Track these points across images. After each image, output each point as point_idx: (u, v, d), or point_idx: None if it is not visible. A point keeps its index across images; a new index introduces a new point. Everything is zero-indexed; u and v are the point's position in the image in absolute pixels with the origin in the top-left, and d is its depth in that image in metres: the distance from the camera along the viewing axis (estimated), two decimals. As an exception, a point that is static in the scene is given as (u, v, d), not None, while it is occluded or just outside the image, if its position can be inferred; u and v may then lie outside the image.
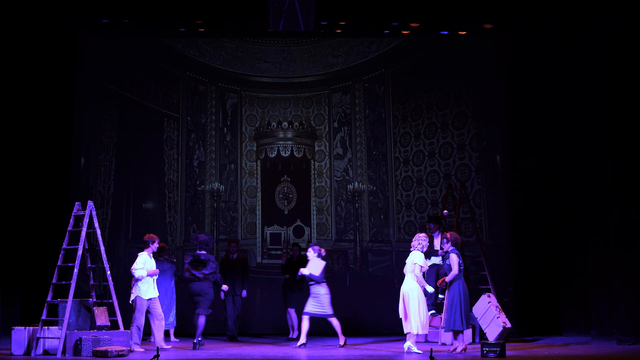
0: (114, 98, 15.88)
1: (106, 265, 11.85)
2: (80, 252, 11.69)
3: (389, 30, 15.10)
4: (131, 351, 11.41)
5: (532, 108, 14.74)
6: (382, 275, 15.74)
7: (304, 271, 12.58)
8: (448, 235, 11.74)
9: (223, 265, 13.64)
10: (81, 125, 15.38)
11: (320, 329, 14.96)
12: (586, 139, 13.36)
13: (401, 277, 11.75)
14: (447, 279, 11.54)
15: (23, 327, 11.48)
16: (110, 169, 15.78)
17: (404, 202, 16.02)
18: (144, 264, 11.94)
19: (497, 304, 12.87)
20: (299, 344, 12.44)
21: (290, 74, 16.41)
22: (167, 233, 15.80)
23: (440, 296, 12.72)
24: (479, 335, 12.93)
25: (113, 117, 15.89)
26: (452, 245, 11.65)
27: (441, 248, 12.02)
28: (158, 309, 12.03)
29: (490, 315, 12.70)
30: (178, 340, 13.52)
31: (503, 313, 12.75)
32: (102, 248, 11.92)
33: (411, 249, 11.71)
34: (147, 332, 13.55)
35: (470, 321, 11.73)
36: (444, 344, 12.70)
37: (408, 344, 11.51)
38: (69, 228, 11.94)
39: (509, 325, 12.65)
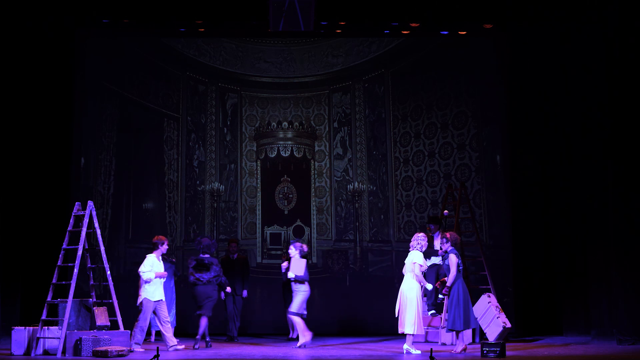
0: (114, 98, 15.88)
1: (106, 265, 11.85)
2: (80, 252, 11.69)
3: (389, 30, 15.10)
4: (131, 351, 11.41)
5: (532, 108, 14.74)
6: (382, 275, 15.74)
7: (290, 275, 12.57)
8: (448, 235, 11.74)
9: (223, 265, 13.62)
10: (81, 125, 15.39)
11: (320, 329, 14.98)
12: (586, 139, 13.36)
13: (401, 277, 11.74)
14: (448, 283, 11.52)
15: (23, 327, 11.48)
16: (110, 169, 15.79)
17: (404, 202, 16.02)
18: (152, 266, 11.93)
19: (497, 304, 12.87)
20: (298, 344, 12.43)
21: (290, 74, 16.41)
22: (167, 233, 15.79)
23: (440, 296, 12.71)
24: (479, 335, 12.92)
25: (113, 117, 15.90)
26: (451, 245, 11.65)
27: (440, 248, 12.02)
28: (164, 311, 12.03)
29: (490, 315, 12.70)
30: (178, 340, 13.49)
31: (503, 313, 12.75)
32: (102, 248, 11.92)
33: (410, 249, 11.71)
34: (147, 332, 13.57)
35: (472, 321, 11.69)
36: (444, 344, 12.70)
37: (406, 346, 11.51)
38: (69, 228, 11.94)
39: (509, 325, 12.65)
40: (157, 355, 10.00)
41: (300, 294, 12.53)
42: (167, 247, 12.20)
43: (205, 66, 16.31)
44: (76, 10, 13.64)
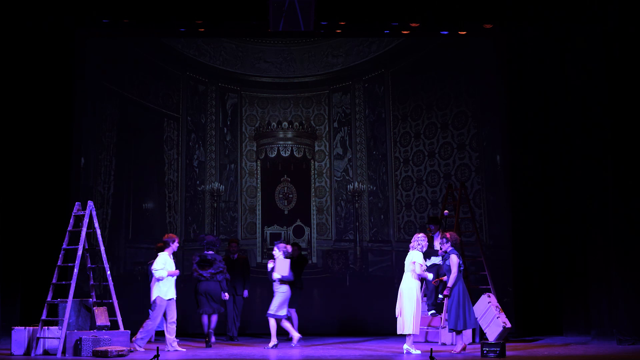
0: (114, 98, 15.88)
1: (106, 265, 11.85)
2: (80, 252, 11.68)
3: (389, 30, 15.10)
4: (131, 351, 11.41)
5: (532, 108, 14.75)
6: (382, 275, 15.74)
7: (276, 275, 12.55)
8: (448, 235, 11.74)
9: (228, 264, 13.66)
10: (81, 125, 15.40)
11: (320, 329, 14.99)
12: (586, 139, 13.36)
13: (401, 277, 11.74)
14: (449, 283, 11.52)
15: (23, 327, 11.47)
16: (110, 169, 15.79)
17: (404, 202, 16.02)
18: (164, 264, 11.93)
19: (497, 304, 12.87)
20: (270, 345, 12.40)
21: (290, 74, 16.41)
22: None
23: (440, 296, 12.71)
24: (479, 335, 12.92)
25: (113, 117, 15.90)
26: (451, 245, 11.64)
27: (440, 248, 12.01)
28: (173, 311, 12.03)
29: (490, 315, 12.70)
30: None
31: (503, 313, 12.75)
32: (102, 248, 11.92)
33: (410, 250, 11.70)
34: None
35: (471, 321, 11.68)
36: (444, 344, 12.70)
37: (406, 346, 11.51)
38: (69, 228, 11.94)
39: (509, 325, 12.65)
40: (157, 355, 10.00)
41: (280, 294, 12.52)
42: (177, 244, 12.20)
43: (205, 66, 16.31)
44: (76, 10, 13.63)
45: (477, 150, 15.73)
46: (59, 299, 11.59)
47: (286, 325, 12.60)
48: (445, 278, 11.69)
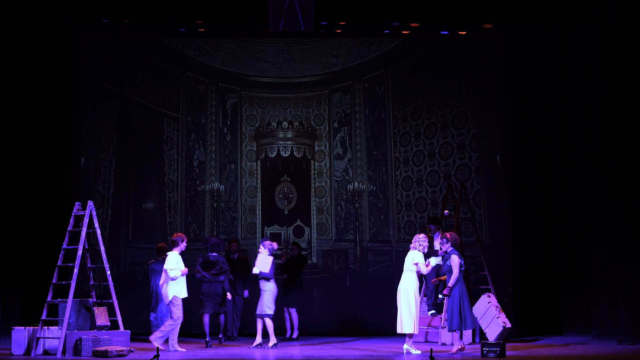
0: (114, 98, 15.88)
1: (106, 265, 11.85)
2: (80, 252, 11.69)
3: (389, 30, 15.10)
4: (131, 351, 11.40)
5: (532, 108, 14.75)
6: (382, 275, 15.74)
7: (255, 270, 12.54)
8: (448, 235, 11.73)
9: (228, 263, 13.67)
10: (81, 125, 15.40)
11: (320, 329, 14.99)
12: (586, 139, 13.36)
13: (401, 277, 11.74)
14: (450, 283, 11.52)
15: (23, 327, 11.48)
16: (110, 169, 15.79)
17: (404, 202, 16.02)
18: (177, 263, 11.94)
19: (497, 304, 12.86)
20: (254, 344, 12.38)
21: (290, 74, 16.41)
22: (167, 233, 15.78)
23: (440, 296, 12.71)
24: (479, 335, 12.92)
25: (113, 117, 15.90)
26: (451, 245, 11.64)
27: (440, 248, 12.01)
28: (180, 311, 12.06)
29: (490, 315, 12.69)
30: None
31: (503, 313, 12.75)
32: (102, 248, 11.92)
33: (410, 249, 11.69)
34: (147, 332, 13.57)
35: (469, 322, 11.68)
36: (444, 344, 12.70)
37: (406, 346, 11.51)
38: (69, 228, 11.94)
39: (509, 325, 12.64)
40: (157, 355, 10.00)
41: (267, 293, 12.51)
42: (185, 244, 12.19)
43: (205, 66, 16.31)
44: (76, 10, 13.63)
45: (477, 150, 15.73)
46: (59, 299, 11.60)
47: (259, 326, 12.55)
48: (449, 283, 11.66)
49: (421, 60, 16.10)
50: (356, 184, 16.16)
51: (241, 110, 16.40)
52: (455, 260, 11.48)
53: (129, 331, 11.66)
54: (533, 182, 14.74)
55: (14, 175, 13.62)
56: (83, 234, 11.75)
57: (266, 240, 12.88)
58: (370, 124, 16.25)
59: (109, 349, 10.90)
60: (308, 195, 16.25)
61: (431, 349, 10.59)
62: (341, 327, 15.31)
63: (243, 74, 16.38)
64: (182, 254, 12.09)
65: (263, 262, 12.52)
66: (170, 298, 11.87)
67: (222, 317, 13.04)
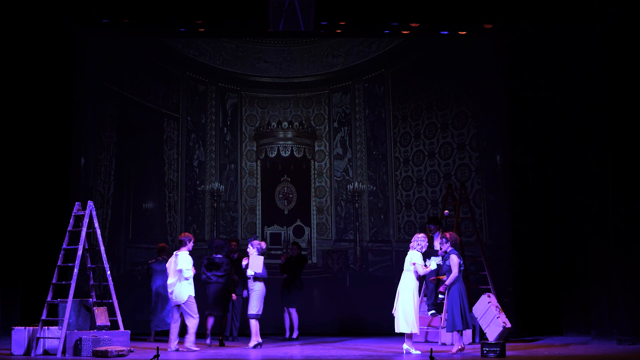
0: (114, 98, 15.88)
1: (106, 265, 11.85)
2: (80, 252, 11.68)
3: (389, 30, 15.10)
4: (131, 351, 11.40)
5: (532, 108, 14.75)
6: (382, 275, 15.74)
7: (249, 272, 12.52)
8: (447, 235, 11.74)
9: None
10: (81, 125, 15.40)
11: (320, 329, 14.98)
12: (586, 139, 13.36)
13: (401, 277, 11.74)
14: (447, 282, 11.53)
15: (23, 327, 11.47)
16: (110, 169, 15.79)
17: (404, 202, 16.02)
18: (190, 263, 11.96)
19: (497, 304, 12.87)
20: (252, 344, 12.35)
21: (290, 74, 16.41)
22: (167, 233, 15.80)
23: (440, 296, 12.70)
24: (479, 335, 12.92)
25: (113, 117, 15.90)
26: (451, 245, 11.64)
27: (440, 248, 12.01)
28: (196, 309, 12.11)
29: (490, 315, 12.70)
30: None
31: (503, 313, 12.75)
32: (102, 248, 11.92)
33: (410, 250, 11.70)
34: (146, 332, 13.58)
35: (470, 321, 11.70)
36: (444, 344, 12.70)
37: (406, 346, 11.51)
38: (69, 228, 11.94)
39: (509, 325, 12.64)
40: (157, 355, 10.00)
41: (255, 293, 12.49)
42: (192, 244, 12.20)
43: (205, 66, 16.31)
44: (76, 10, 13.63)
45: (477, 150, 15.73)
46: (59, 299, 11.59)
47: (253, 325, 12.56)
48: (444, 278, 11.67)
49: (421, 60, 16.10)
50: (356, 184, 16.16)
51: (241, 110, 16.40)
52: (454, 260, 11.49)
53: (129, 331, 11.66)
54: (533, 182, 14.74)
55: (14, 175, 13.62)
56: (83, 234, 11.75)
57: (254, 239, 12.85)
58: (370, 124, 16.25)
59: (109, 349, 10.90)
60: (308, 195, 16.25)
61: (431, 349, 10.59)
62: (341, 327, 15.30)
63: (243, 74, 16.38)
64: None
65: (255, 263, 12.48)
66: (186, 299, 11.87)
67: (211, 320, 12.92)
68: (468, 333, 12.31)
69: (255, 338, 12.38)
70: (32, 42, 14.01)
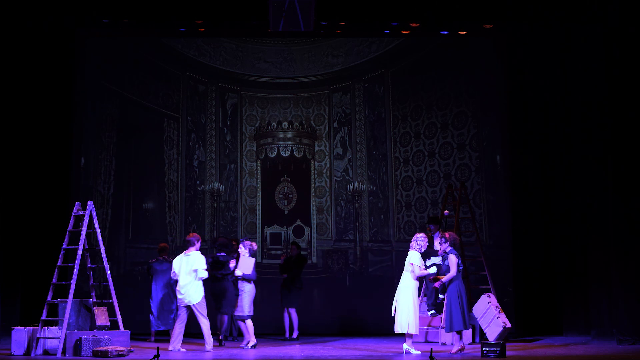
0: (114, 98, 15.88)
1: (106, 265, 11.85)
2: (80, 252, 11.68)
3: (389, 30, 15.10)
4: (131, 351, 11.40)
5: (532, 108, 14.75)
6: (382, 275, 15.74)
7: (238, 272, 12.51)
8: (447, 235, 11.74)
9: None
10: (81, 125, 15.40)
11: (320, 329, 14.98)
12: (586, 139, 13.36)
13: (401, 277, 11.74)
14: (444, 279, 11.53)
15: (23, 327, 11.47)
16: (110, 169, 15.79)
17: (404, 202, 16.02)
18: (205, 263, 11.98)
19: (497, 304, 12.87)
20: (250, 344, 12.35)
21: (290, 74, 16.41)
22: (167, 233, 15.81)
23: (440, 296, 12.71)
24: (479, 335, 12.92)
25: (113, 117, 15.90)
26: (450, 245, 11.65)
27: (440, 248, 12.01)
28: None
29: (490, 315, 12.70)
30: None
31: (503, 313, 12.75)
32: (102, 248, 11.92)
33: (410, 249, 11.71)
34: (146, 332, 13.58)
35: (470, 321, 11.70)
36: (444, 344, 12.70)
37: (406, 346, 11.51)
38: (69, 228, 11.94)
39: (509, 325, 12.65)
40: (157, 355, 10.00)
41: (245, 294, 12.48)
42: (200, 244, 12.19)
43: (205, 66, 16.31)
44: (76, 10, 13.63)
45: (477, 150, 15.73)
46: (59, 299, 11.59)
47: (242, 325, 12.54)
48: (444, 279, 11.65)
49: (421, 60, 16.10)
50: (356, 184, 16.16)
51: (241, 110, 16.40)
52: (452, 259, 11.50)
53: (129, 331, 11.65)
54: (533, 182, 14.74)
55: (14, 175, 13.62)
56: (83, 234, 11.74)
57: (246, 240, 12.85)
58: (370, 124, 16.25)
59: (109, 349, 10.90)
60: (308, 195, 16.25)
61: (431, 349, 10.59)
62: (341, 327, 15.30)
63: (243, 74, 16.38)
64: (178, 255, 12.12)
65: (245, 264, 12.47)
66: (199, 299, 11.86)
67: (225, 318, 13.00)
68: (468, 333, 12.31)
69: (252, 338, 12.37)
70: (32, 42, 14.01)
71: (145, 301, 13.73)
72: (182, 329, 11.96)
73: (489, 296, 13.06)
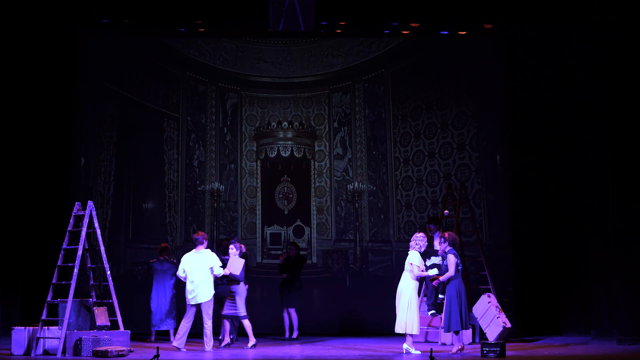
0: (114, 98, 15.88)
1: (106, 265, 11.85)
2: (80, 252, 11.69)
3: (389, 30, 15.10)
4: (131, 351, 11.40)
5: (532, 108, 14.75)
6: (382, 275, 15.74)
7: (225, 271, 12.49)
8: (446, 235, 11.74)
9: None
10: (81, 125, 15.41)
11: (320, 329, 14.99)
12: (586, 139, 13.36)
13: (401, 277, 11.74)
14: (442, 278, 11.54)
15: (23, 327, 11.48)
16: (110, 169, 15.79)
17: (404, 202, 16.02)
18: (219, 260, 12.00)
19: (497, 304, 12.87)
20: (250, 344, 12.35)
21: (290, 74, 16.41)
22: (167, 233, 15.81)
23: (440, 296, 12.71)
24: (479, 335, 12.92)
25: (113, 117, 15.90)
26: (449, 245, 11.65)
27: (439, 248, 12.02)
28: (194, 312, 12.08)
29: (490, 315, 12.70)
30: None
31: (503, 313, 12.75)
32: (102, 248, 11.92)
33: (409, 249, 11.71)
34: (146, 332, 13.58)
35: (470, 321, 11.70)
36: (444, 344, 12.70)
37: (406, 346, 11.51)
38: (69, 228, 11.94)
39: (509, 325, 12.65)
40: (157, 355, 10.00)
41: (239, 295, 12.46)
42: (207, 242, 12.17)
43: (205, 66, 16.31)
44: (76, 10, 13.62)
45: (477, 150, 15.73)
46: (59, 299, 11.59)
47: (227, 326, 12.52)
48: (441, 278, 11.66)
49: (421, 60, 16.10)
50: (356, 184, 16.16)
51: (241, 110, 16.40)
52: (451, 259, 11.50)
53: (129, 331, 11.66)
54: (533, 182, 14.74)
55: (14, 175, 13.62)
56: (83, 234, 11.75)
57: (236, 241, 12.84)
58: (370, 124, 16.25)
59: (109, 349, 10.90)
60: (308, 195, 16.25)
61: (431, 349, 10.59)
62: (341, 327, 15.31)
63: (243, 74, 16.38)
64: (181, 254, 12.09)
65: (234, 264, 12.44)
66: (210, 298, 11.85)
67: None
68: (468, 333, 12.31)
69: (252, 338, 12.38)
70: (32, 42, 14.01)
71: (145, 301, 13.73)
72: (189, 327, 11.92)
73: (489, 296, 13.06)
